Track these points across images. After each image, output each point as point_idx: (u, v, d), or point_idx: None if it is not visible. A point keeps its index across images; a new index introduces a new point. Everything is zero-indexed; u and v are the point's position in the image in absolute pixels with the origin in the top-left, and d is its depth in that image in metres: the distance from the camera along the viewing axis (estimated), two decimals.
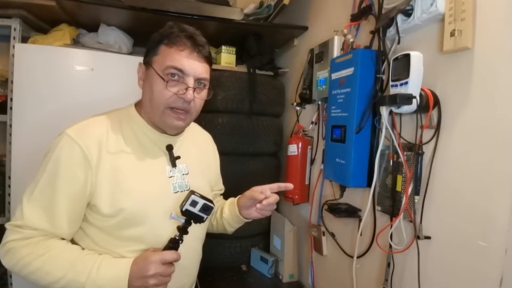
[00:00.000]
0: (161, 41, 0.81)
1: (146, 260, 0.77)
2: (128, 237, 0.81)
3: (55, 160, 0.77)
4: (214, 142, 1.13)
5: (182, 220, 0.81)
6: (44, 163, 0.78)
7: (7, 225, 0.77)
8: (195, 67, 0.81)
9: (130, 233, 0.81)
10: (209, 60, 0.86)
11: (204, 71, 0.83)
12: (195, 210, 0.80)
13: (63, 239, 0.80)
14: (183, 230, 0.81)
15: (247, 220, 1.01)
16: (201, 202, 0.80)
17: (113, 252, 0.81)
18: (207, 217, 0.82)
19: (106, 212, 0.78)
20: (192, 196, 0.80)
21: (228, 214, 1.03)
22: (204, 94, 0.86)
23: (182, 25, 0.84)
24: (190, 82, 0.80)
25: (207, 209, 0.81)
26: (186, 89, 0.79)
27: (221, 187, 1.17)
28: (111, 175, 0.79)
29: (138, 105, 0.89)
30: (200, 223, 0.83)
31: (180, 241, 0.81)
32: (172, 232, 0.84)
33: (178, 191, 0.87)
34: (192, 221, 0.82)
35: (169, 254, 0.78)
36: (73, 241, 0.82)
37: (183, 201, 0.80)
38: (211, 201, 0.82)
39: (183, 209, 0.80)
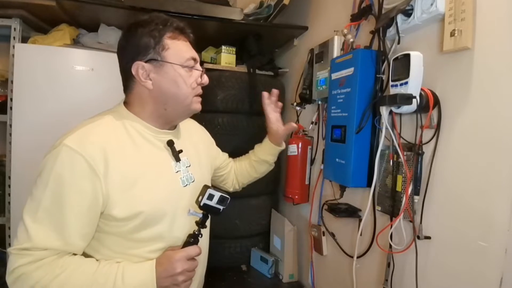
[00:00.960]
0: (163, 35, 0.81)
1: (171, 259, 0.77)
2: (147, 238, 0.80)
3: (57, 175, 0.71)
4: (200, 124, 1.15)
5: (200, 215, 0.83)
6: (43, 179, 0.72)
7: (11, 250, 0.71)
8: (196, 53, 0.87)
9: (148, 233, 0.80)
10: None
11: None
12: (212, 203, 0.82)
13: (75, 254, 0.76)
14: (202, 224, 0.83)
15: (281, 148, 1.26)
16: (218, 194, 0.82)
17: (133, 255, 0.79)
18: (223, 208, 0.83)
19: (122, 217, 0.75)
20: (209, 190, 0.81)
21: (272, 157, 1.24)
22: None
23: (169, 17, 0.84)
24: (199, 67, 0.86)
25: (223, 200, 0.82)
26: (202, 74, 0.86)
27: (225, 155, 1.24)
28: (121, 180, 0.75)
29: (128, 104, 0.86)
30: (217, 215, 0.85)
31: (200, 236, 0.83)
32: (189, 225, 0.85)
33: (186, 185, 0.88)
34: (209, 214, 0.83)
35: (192, 250, 0.80)
36: (85, 254, 0.79)
37: (199, 196, 0.82)
38: (225, 192, 0.83)
39: (201, 204, 0.81)
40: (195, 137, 1.04)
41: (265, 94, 1.22)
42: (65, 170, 0.71)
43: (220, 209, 0.83)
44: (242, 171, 1.25)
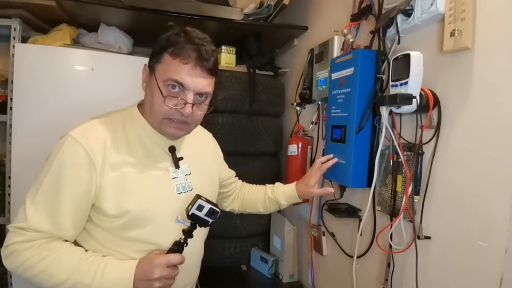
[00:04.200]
0: (166, 48, 0.79)
1: (151, 263, 0.77)
2: (134, 238, 0.81)
3: (59, 162, 0.76)
4: (214, 138, 1.14)
5: (187, 223, 0.82)
6: (47, 164, 0.77)
7: (9, 227, 0.76)
8: (196, 82, 0.78)
9: (135, 234, 0.81)
10: (214, 72, 0.83)
11: (206, 85, 0.81)
12: (201, 214, 0.80)
13: (66, 241, 0.79)
14: (188, 233, 0.81)
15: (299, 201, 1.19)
16: (207, 206, 0.80)
17: (118, 252, 0.81)
18: (212, 221, 0.82)
19: (111, 214, 0.78)
20: (199, 200, 0.80)
21: (286, 204, 1.18)
22: (204, 108, 0.85)
23: (191, 34, 0.80)
24: (190, 97, 0.79)
25: (212, 213, 0.81)
26: (185, 104, 0.78)
27: (231, 173, 1.22)
28: (116, 177, 0.78)
29: (141, 105, 0.89)
30: (205, 227, 0.84)
31: (185, 245, 0.81)
32: (177, 232, 0.84)
33: (181, 192, 0.88)
34: (197, 224, 0.82)
35: (174, 257, 0.79)
36: (76, 243, 0.82)
37: (189, 205, 0.81)
38: (216, 206, 0.83)
39: (189, 213, 0.80)
40: (203, 147, 1.04)
41: (328, 158, 1.17)
42: (66, 158, 0.76)
43: (208, 221, 0.82)
44: (251, 200, 1.19)
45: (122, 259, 0.80)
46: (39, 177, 0.78)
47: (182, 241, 0.81)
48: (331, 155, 1.17)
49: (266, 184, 1.22)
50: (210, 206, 0.81)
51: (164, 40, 0.80)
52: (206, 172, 1.00)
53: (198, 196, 0.81)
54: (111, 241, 0.81)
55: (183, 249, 0.81)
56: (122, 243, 0.81)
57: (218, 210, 0.82)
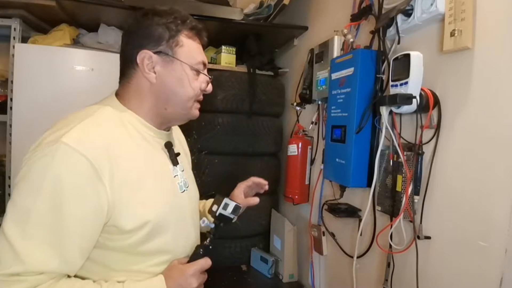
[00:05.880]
0: (179, 31, 0.74)
1: (185, 274, 0.73)
2: (151, 251, 0.72)
3: (53, 179, 0.59)
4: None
5: (212, 225, 0.81)
6: (33, 183, 0.60)
7: None
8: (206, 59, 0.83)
9: (153, 245, 0.72)
10: None
11: None
12: (227, 213, 0.80)
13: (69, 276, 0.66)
14: (214, 235, 0.80)
15: None
16: (232, 204, 0.80)
17: (133, 271, 0.71)
18: (235, 217, 0.82)
19: (129, 229, 0.66)
20: (225, 199, 0.80)
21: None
22: None
23: (189, 15, 0.78)
24: (206, 73, 0.81)
25: (236, 209, 0.81)
26: (208, 82, 0.81)
27: None
28: (126, 186, 0.66)
29: (121, 97, 0.76)
30: (229, 224, 0.83)
31: (210, 247, 0.79)
32: (192, 236, 0.82)
33: (184, 190, 0.82)
34: (221, 223, 0.81)
35: (205, 262, 0.76)
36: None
37: (213, 205, 0.80)
38: (237, 202, 0.82)
39: (217, 214, 0.79)
40: (183, 141, 0.99)
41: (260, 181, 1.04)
42: (64, 172, 0.60)
43: (232, 218, 0.81)
44: None
45: (141, 278, 0.71)
46: (22, 201, 0.60)
47: (206, 243, 0.79)
48: (266, 183, 1.04)
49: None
50: (234, 203, 0.80)
51: (171, 21, 0.74)
52: (190, 167, 0.95)
53: (221, 196, 0.81)
54: (126, 260, 0.70)
55: (208, 252, 0.79)
56: (139, 260, 0.71)
57: (240, 205, 0.81)
